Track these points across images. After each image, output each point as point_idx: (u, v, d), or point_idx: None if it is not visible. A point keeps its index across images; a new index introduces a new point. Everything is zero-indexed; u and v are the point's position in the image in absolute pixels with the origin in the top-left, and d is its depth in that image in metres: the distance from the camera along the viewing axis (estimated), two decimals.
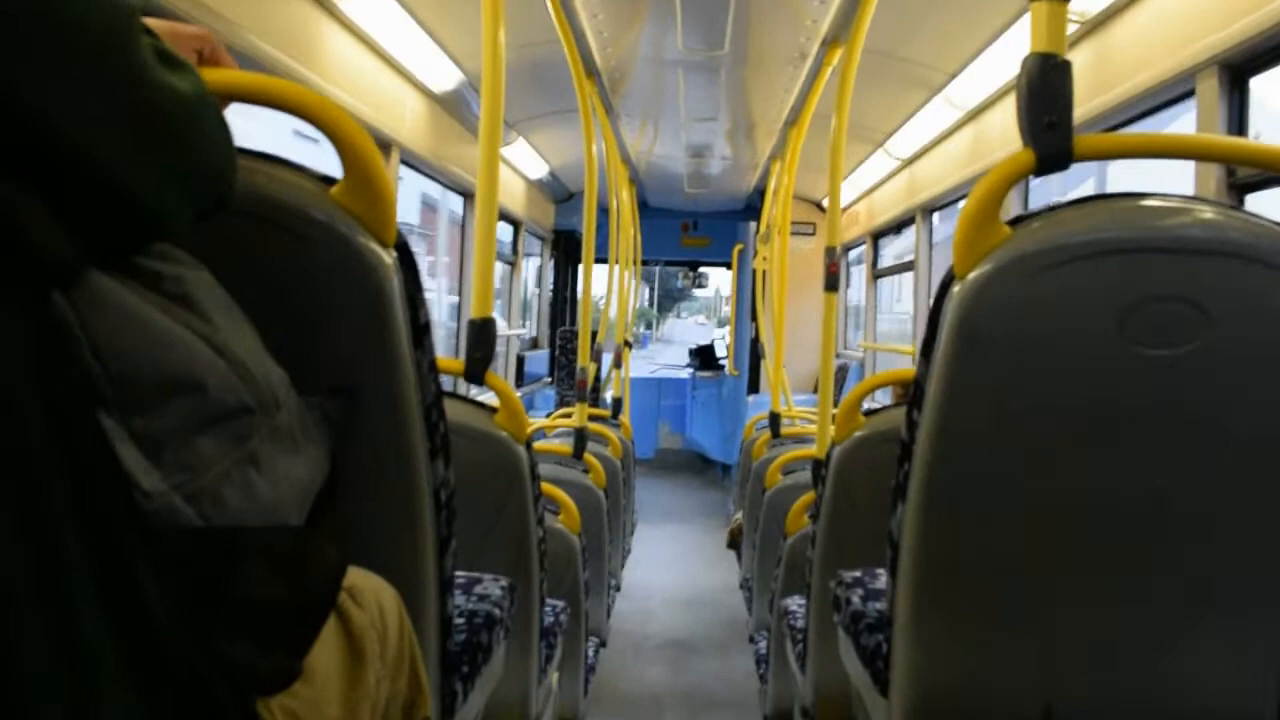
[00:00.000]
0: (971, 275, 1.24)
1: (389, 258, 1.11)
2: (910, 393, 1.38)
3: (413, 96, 4.15)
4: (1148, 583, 1.34)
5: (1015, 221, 1.27)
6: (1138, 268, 1.23)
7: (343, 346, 1.13)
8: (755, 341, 7.63)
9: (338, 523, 1.00)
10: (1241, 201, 2.52)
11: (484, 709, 1.79)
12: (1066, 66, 1.21)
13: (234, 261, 0.93)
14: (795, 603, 2.72)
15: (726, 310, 10.80)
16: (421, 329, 1.17)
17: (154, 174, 0.74)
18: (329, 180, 1.11)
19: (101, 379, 0.74)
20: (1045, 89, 1.21)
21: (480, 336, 2.03)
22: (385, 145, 3.98)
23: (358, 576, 1.04)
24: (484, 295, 2.07)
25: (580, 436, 3.72)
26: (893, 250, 6.90)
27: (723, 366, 9.45)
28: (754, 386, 8.29)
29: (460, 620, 1.56)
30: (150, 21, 0.89)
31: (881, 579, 1.82)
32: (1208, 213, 1.27)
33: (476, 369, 2.01)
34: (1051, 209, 1.28)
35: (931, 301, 1.34)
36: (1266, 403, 1.26)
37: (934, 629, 1.40)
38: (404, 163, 4.17)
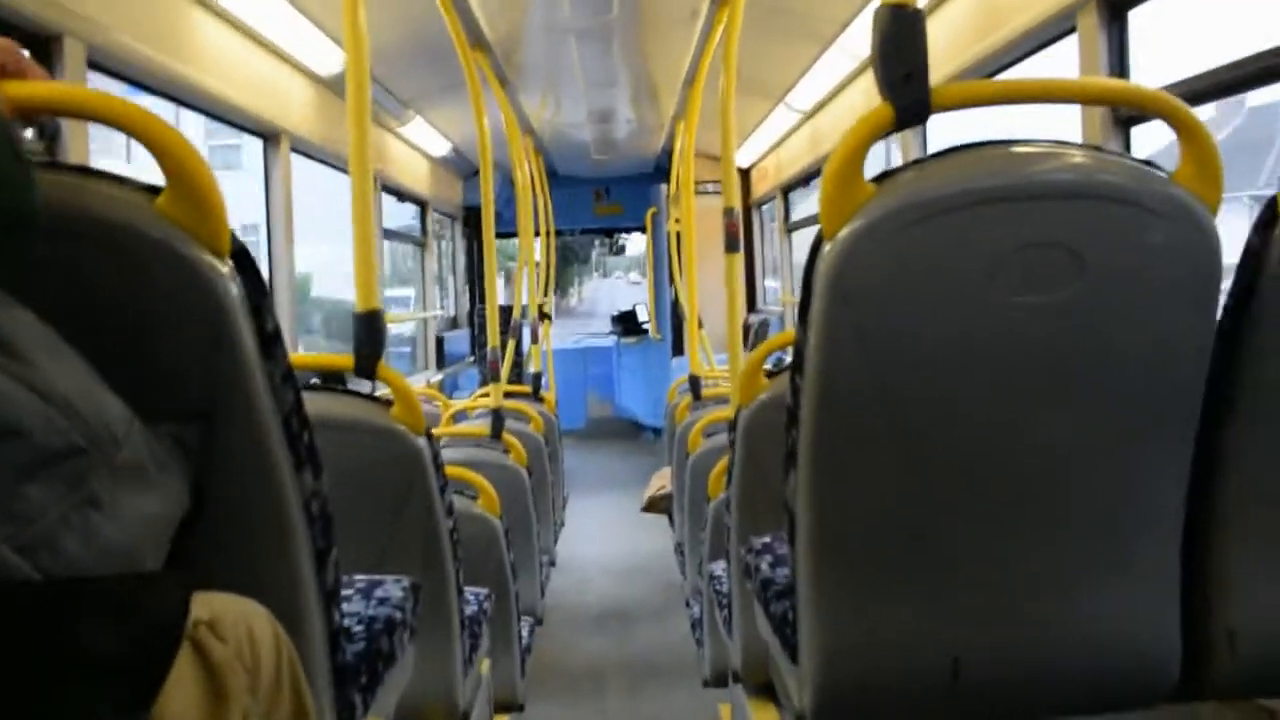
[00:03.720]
0: (840, 234, 1.21)
1: (225, 267, 1.05)
2: (792, 357, 1.35)
3: (299, 83, 4.03)
4: (1041, 529, 1.34)
5: (881, 178, 1.24)
6: (1009, 216, 1.21)
7: (187, 368, 1.07)
8: (676, 303, 7.60)
9: (190, 557, 0.95)
10: (1127, 135, 2.54)
11: (404, 710, 1.75)
12: (918, 16, 1.18)
13: (60, 288, 0.88)
14: (720, 567, 2.71)
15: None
16: (270, 337, 1.11)
17: None
18: (156, 190, 1.04)
19: None
20: (898, 41, 1.18)
21: (369, 330, 1.96)
22: (274, 135, 3.86)
23: (223, 605, 0.99)
24: (367, 285, 1.99)
25: (497, 417, 3.67)
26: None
27: (646, 331, 9.43)
28: (679, 348, 8.28)
29: (359, 628, 1.51)
30: None
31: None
32: (1078, 156, 1.26)
33: (366, 364, 1.95)
34: (918, 162, 1.26)
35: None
36: (1141, 344, 1.26)
37: (835, 593, 1.38)
38: (295, 150, 4.05)
